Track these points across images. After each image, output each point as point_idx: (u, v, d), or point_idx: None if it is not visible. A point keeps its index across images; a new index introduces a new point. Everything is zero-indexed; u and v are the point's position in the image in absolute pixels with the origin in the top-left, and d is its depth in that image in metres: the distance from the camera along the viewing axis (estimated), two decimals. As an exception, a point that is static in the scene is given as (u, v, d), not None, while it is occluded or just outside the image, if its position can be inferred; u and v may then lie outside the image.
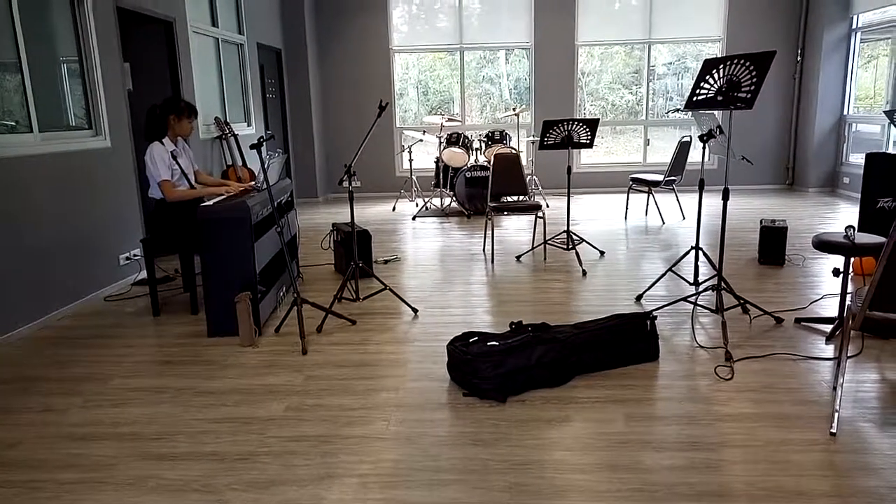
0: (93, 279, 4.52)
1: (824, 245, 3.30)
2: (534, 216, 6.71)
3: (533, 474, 2.23)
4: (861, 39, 8.11)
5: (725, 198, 3.54)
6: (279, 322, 3.88)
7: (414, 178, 8.70)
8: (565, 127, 4.98)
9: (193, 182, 4.34)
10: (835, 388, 2.78)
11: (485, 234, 6.18)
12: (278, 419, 2.68)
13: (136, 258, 5.03)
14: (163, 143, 4.16)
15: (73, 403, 2.89)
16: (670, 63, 9.18)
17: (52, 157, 4.15)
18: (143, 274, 4.94)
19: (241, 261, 3.63)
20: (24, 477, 2.31)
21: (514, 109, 8.01)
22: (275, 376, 3.12)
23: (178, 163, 4.19)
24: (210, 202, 3.74)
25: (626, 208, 7.35)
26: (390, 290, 4.27)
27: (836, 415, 2.49)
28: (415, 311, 4.05)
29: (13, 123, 3.94)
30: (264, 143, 3.46)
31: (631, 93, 9.32)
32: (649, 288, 4.30)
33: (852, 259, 3.87)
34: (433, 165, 8.30)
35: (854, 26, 8.13)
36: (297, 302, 3.56)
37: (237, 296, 3.53)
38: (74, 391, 3.03)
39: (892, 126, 7.14)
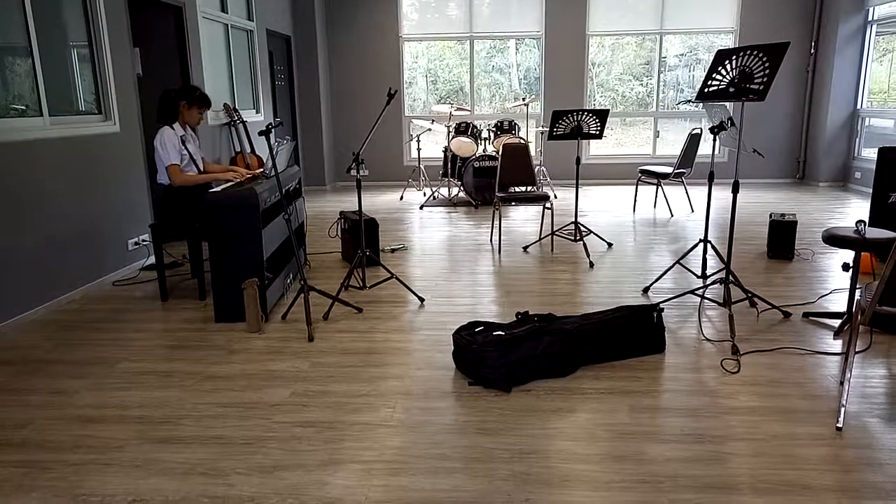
0: (101, 264, 4.54)
1: (834, 239, 3.28)
2: (542, 207, 6.69)
3: (537, 464, 2.24)
4: (876, 32, 8.00)
5: (735, 191, 3.51)
6: (286, 309, 3.89)
7: (422, 167, 8.69)
8: (575, 117, 4.95)
9: (202, 168, 4.35)
10: (842, 383, 2.77)
11: (492, 224, 6.17)
12: (284, 405, 2.70)
13: (144, 243, 5.06)
14: (173, 128, 4.17)
15: (81, 386, 2.92)
16: (682, 54, 9.10)
17: (61, 141, 4.16)
18: (152, 259, 4.96)
19: (248, 247, 3.64)
20: (33, 457, 2.33)
21: (523, 99, 7.98)
22: (281, 362, 3.14)
23: (187, 148, 4.20)
24: (218, 188, 3.75)
25: (635, 200, 7.31)
26: (397, 278, 4.27)
27: (843, 410, 2.48)
28: (421, 300, 4.05)
29: (23, 108, 3.95)
30: (273, 130, 3.46)
31: (641, 84, 9.24)
32: (657, 280, 4.28)
33: (862, 254, 3.84)
34: (441, 155, 8.28)
35: (869, 18, 8.02)
36: (303, 289, 3.57)
37: (244, 282, 3.54)
38: (82, 374, 3.05)
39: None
